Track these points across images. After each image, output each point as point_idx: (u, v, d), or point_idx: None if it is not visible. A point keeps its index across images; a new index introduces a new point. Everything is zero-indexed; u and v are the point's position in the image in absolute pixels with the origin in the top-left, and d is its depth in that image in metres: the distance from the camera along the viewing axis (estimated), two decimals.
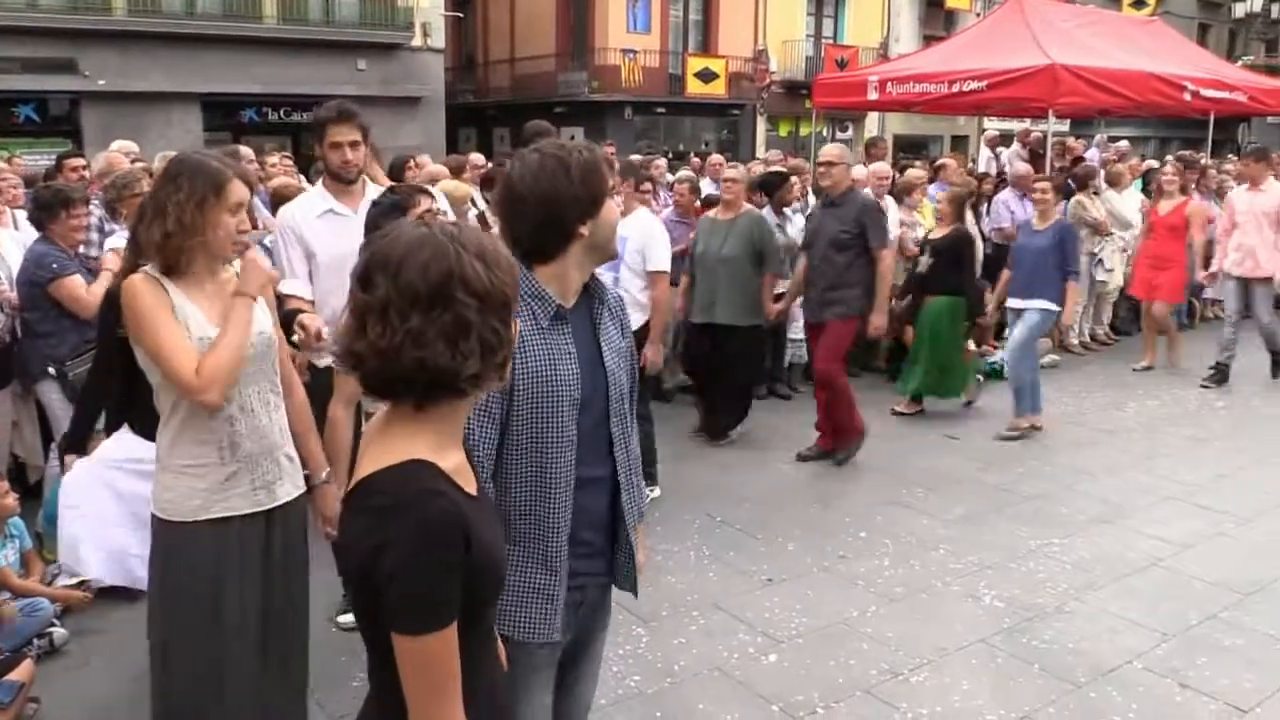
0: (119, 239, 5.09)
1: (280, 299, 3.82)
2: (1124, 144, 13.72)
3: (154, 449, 3.15)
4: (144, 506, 3.14)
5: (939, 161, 11.24)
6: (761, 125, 27.68)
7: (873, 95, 12.71)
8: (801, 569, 4.96)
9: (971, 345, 8.02)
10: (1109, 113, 14.20)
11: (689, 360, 7.26)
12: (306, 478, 3.03)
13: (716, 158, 10.82)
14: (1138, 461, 6.67)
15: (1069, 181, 10.36)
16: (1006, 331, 8.11)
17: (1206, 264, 9.35)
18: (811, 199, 8.43)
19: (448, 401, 1.59)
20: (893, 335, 8.07)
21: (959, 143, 27.24)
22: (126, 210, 4.81)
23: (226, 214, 2.63)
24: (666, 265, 5.81)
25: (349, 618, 4.24)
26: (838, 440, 6.58)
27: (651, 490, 5.87)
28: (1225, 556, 5.11)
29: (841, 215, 6.36)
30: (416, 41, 21.95)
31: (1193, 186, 10.25)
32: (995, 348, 9.07)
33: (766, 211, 7.88)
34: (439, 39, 22.81)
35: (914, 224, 8.79)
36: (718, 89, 26.29)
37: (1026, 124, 14.83)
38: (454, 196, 5.78)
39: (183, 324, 2.61)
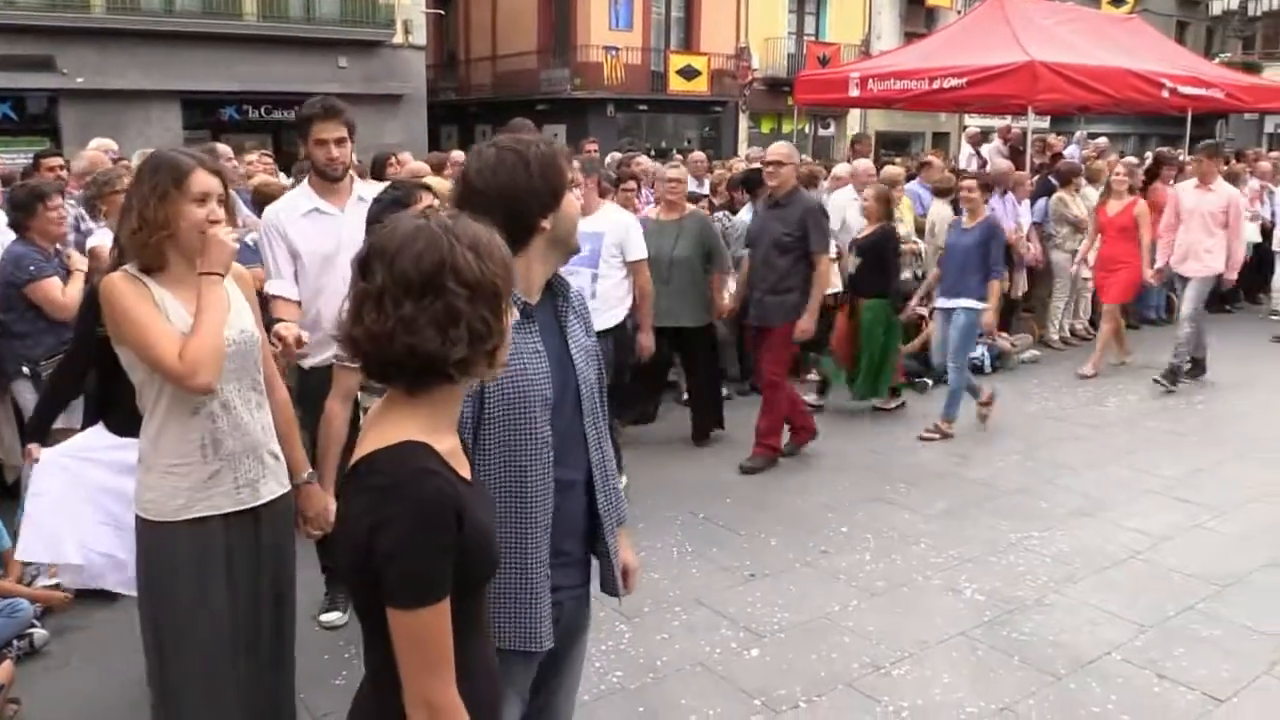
0: (99, 237, 5.07)
1: (266, 300, 3.82)
2: (1103, 141, 13.83)
3: (129, 442, 3.14)
4: (123, 507, 3.13)
5: (925, 159, 11.23)
6: (744, 122, 27.74)
7: (854, 92, 12.77)
8: (783, 564, 4.98)
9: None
10: (1088, 110, 14.32)
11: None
12: (291, 477, 3.02)
13: (698, 155, 10.83)
14: (1117, 456, 6.72)
15: (1050, 179, 10.45)
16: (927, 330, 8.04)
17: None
18: (823, 195, 8.41)
19: (439, 387, 1.64)
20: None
21: (940, 140, 27.35)
22: (107, 208, 4.79)
23: (191, 205, 2.60)
24: (645, 254, 5.81)
25: (331, 616, 4.24)
26: (759, 445, 6.42)
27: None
28: (1203, 549, 5.16)
29: (785, 217, 6.17)
30: (398, 39, 21.91)
31: (1171, 181, 10.23)
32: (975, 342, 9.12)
33: (747, 208, 7.91)
34: (420, 36, 22.78)
35: (896, 221, 8.82)
36: (700, 86, 26.35)
37: (1008, 121, 14.92)
38: (436, 193, 5.78)
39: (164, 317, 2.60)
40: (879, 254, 7.26)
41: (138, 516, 2.73)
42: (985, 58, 11.15)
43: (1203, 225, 8.34)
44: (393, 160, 7.17)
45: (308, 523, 3.08)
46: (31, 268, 4.80)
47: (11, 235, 5.02)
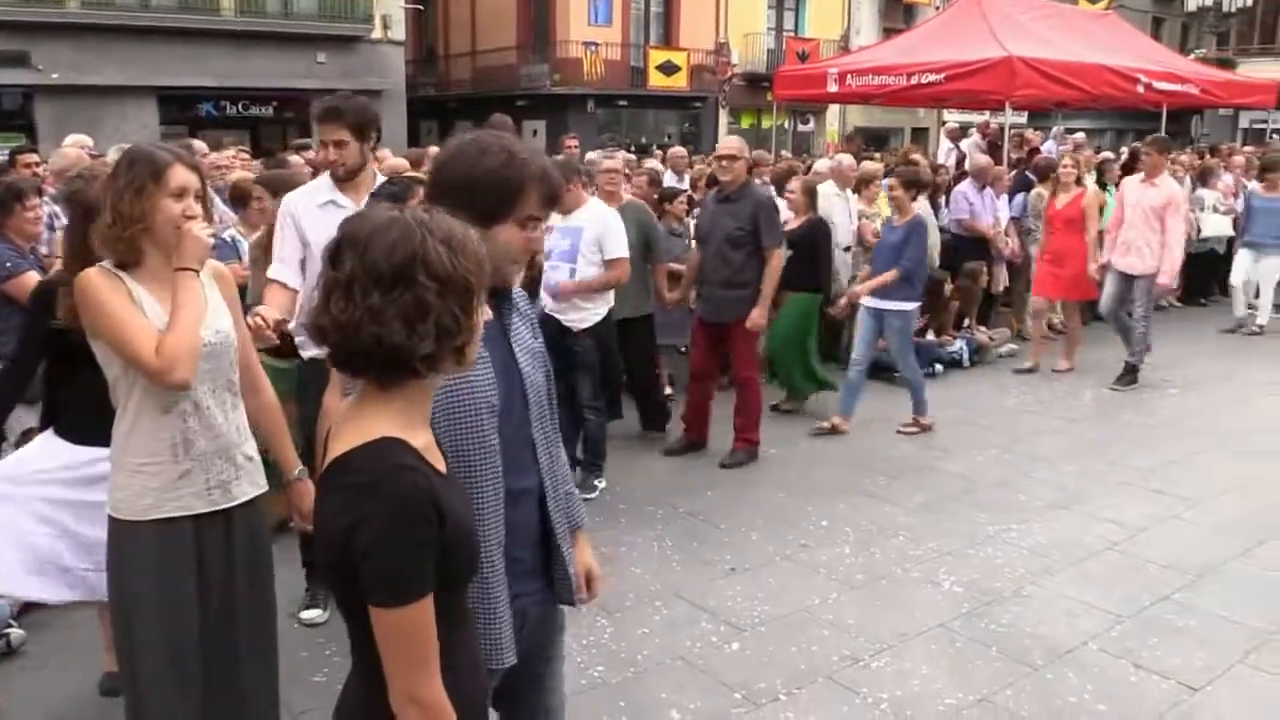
0: None
1: (267, 285, 3.83)
2: (1080, 136, 13.92)
3: (80, 455, 3.12)
4: (67, 514, 3.12)
5: (912, 155, 11.22)
6: (723, 118, 27.77)
7: (832, 87, 12.82)
8: (764, 558, 5.00)
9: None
10: (1065, 105, 14.42)
11: None
12: (282, 475, 3.02)
13: (678, 150, 10.85)
14: (1093, 448, 6.78)
15: (1027, 174, 10.51)
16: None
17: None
18: (770, 190, 8.41)
19: (409, 381, 1.63)
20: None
21: (919, 135, 27.49)
22: None
23: (168, 199, 2.58)
24: (624, 252, 5.77)
25: (311, 613, 4.22)
26: (739, 440, 6.45)
27: (598, 482, 5.88)
28: (1177, 540, 5.22)
29: (736, 211, 6.16)
30: (376, 34, 21.83)
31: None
32: (953, 337, 9.18)
33: None
34: (399, 31, 22.69)
35: (873, 215, 8.86)
36: (680, 82, 26.37)
37: (986, 116, 15.01)
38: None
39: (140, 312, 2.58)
40: (808, 246, 7.15)
41: (109, 516, 2.71)
42: (963, 53, 11.21)
43: (1145, 220, 8.20)
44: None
45: (302, 518, 3.08)
46: (8, 264, 4.76)
47: None
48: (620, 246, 5.77)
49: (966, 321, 9.65)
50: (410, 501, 1.54)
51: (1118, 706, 3.69)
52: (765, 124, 25.73)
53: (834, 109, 26.34)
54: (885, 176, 9.86)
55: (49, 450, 3.29)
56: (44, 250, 5.12)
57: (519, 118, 21.23)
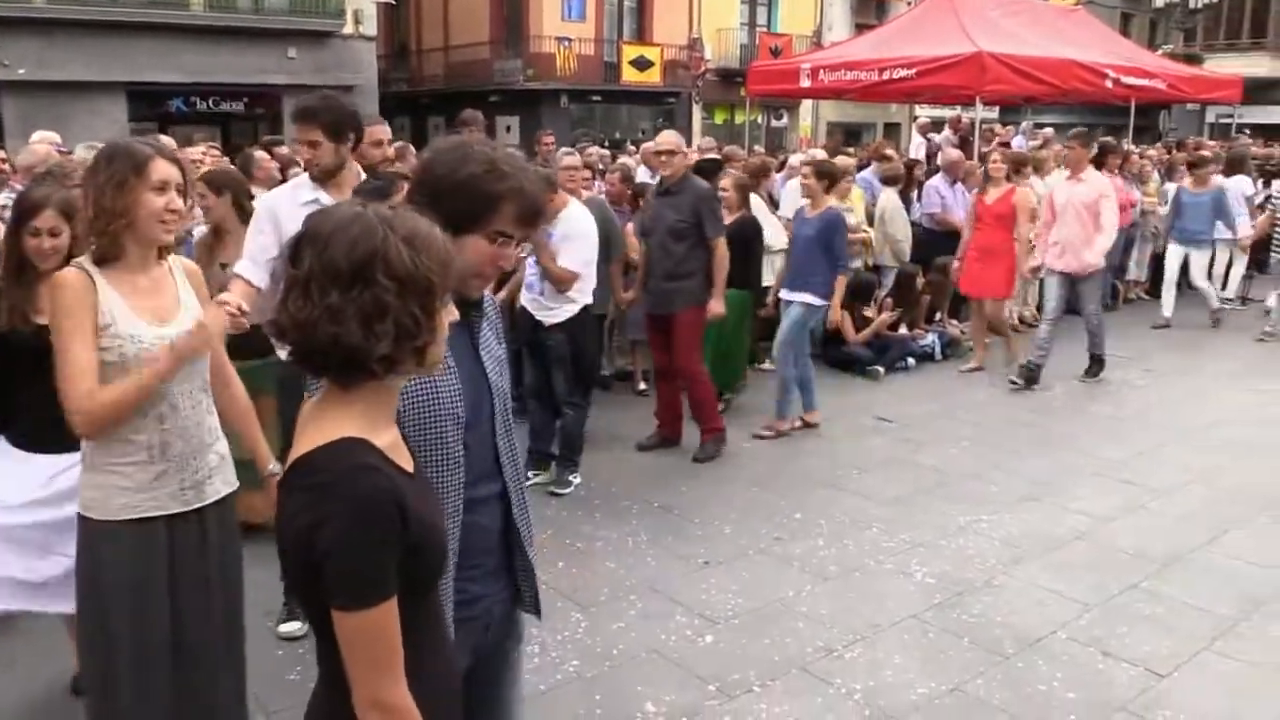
0: None
1: (232, 280, 3.81)
2: (1049, 130, 14.03)
3: (41, 467, 3.10)
4: (21, 529, 3.09)
5: (884, 149, 11.23)
6: (697, 113, 27.78)
7: (805, 83, 12.88)
8: (738, 551, 5.03)
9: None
10: (1034, 100, 14.53)
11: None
12: (256, 470, 3.00)
13: (651, 145, 10.83)
14: (1064, 440, 6.85)
15: None
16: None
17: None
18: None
19: (368, 382, 1.60)
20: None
21: (892, 130, 27.58)
22: None
23: (150, 193, 2.57)
24: (578, 269, 5.63)
25: (290, 626, 4.11)
26: (704, 432, 6.45)
27: (574, 478, 5.89)
28: (1145, 530, 5.29)
29: (678, 204, 6.20)
30: (348, 29, 21.66)
31: (1116, 170, 10.33)
32: (925, 331, 9.24)
33: None
34: (371, 26, 22.52)
35: (846, 209, 8.90)
36: (653, 77, 26.36)
37: (958, 110, 15.11)
38: None
39: (108, 319, 2.56)
40: (741, 244, 6.95)
41: (79, 515, 2.69)
42: (934, 49, 11.29)
43: (1077, 218, 7.95)
44: None
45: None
46: None
47: None
48: (574, 262, 5.63)
49: (938, 315, 9.72)
50: (370, 502, 1.51)
51: (1087, 693, 3.74)
52: (739, 119, 25.76)
53: (807, 104, 26.36)
54: (859, 171, 9.96)
55: (4, 470, 3.17)
56: None
57: (492, 114, 21.14)
